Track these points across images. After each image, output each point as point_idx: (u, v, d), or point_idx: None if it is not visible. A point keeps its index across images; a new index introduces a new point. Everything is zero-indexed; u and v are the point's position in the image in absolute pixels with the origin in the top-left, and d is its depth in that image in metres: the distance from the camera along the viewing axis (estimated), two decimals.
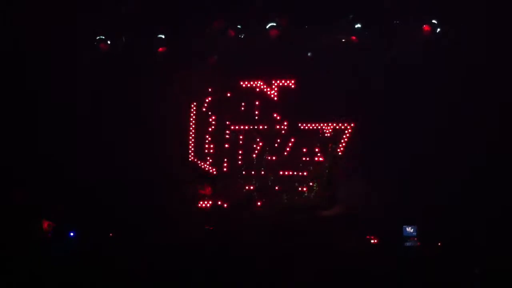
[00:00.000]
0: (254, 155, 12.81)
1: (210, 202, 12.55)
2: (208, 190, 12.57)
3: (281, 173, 12.64)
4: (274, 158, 12.74)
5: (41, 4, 11.99)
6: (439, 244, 11.24)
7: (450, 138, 11.57)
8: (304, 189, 12.51)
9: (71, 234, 11.69)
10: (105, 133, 12.58)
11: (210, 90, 13.03)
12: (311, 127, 12.64)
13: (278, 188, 12.59)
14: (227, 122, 12.98)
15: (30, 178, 12.09)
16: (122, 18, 12.72)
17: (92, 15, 12.43)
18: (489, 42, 11.27)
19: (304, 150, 12.61)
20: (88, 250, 10.72)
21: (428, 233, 11.21)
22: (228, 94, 12.97)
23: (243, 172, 12.81)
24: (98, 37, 12.82)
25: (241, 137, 12.90)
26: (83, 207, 11.93)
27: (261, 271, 10.20)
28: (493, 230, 10.67)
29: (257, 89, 12.85)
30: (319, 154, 12.56)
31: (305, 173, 12.56)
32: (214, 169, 12.94)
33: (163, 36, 12.86)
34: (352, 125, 12.47)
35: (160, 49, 12.92)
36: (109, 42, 12.87)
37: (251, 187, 12.68)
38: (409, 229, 11.38)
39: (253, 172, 12.75)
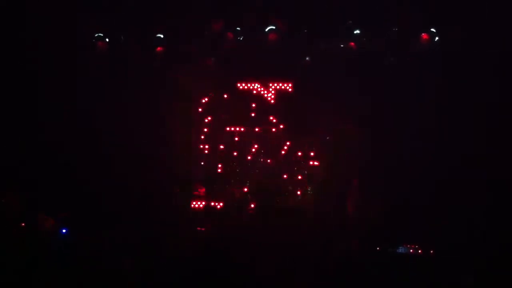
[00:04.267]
0: (249, 157, 12.80)
1: (204, 203, 12.54)
2: (202, 191, 12.55)
3: (275, 176, 12.61)
4: (269, 161, 12.75)
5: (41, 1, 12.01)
6: (431, 251, 11.24)
7: (450, 144, 11.59)
8: (298, 192, 12.51)
9: (63, 231, 11.62)
10: (104, 133, 12.58)
11: (207, 91, 13.03)
12: (307, 131, 12.65)
13: (273, 191, 12.59)
14: (223, 123, 12.97)
15: (29, 178, 11.97)
16: (121, 17, 12.72)
17: (92, 13, 12.42)
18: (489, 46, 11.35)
19: (300, 153, 12.61)
20: (86, 251, 10.64)
21: (423, 239, 11.20)
22: (225, 96, 12.99)
23: (238, 174, 12.79)
24: (96, 35, 12.84)
25: (236, 139, 12.89)
26: (81, 208, 11.88)
27: (254, 274, 10.19)
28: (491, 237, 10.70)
29: (254, 92, 12.85)
30: (314, 158, 12.56)
31: (299, 177, 12.55)
32: (208, 171, 12.92)
33: (161, 36, 12.87)
34: (348, 129, 12.48)
35: (159, 48, 12.93)
36: (107, 39, 12.88)
37: (245, 189, 12.67)
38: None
39: (248, 174, 12.74)
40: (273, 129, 12.77)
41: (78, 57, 12.60)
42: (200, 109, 13.00)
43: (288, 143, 12.68)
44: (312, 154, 12.59)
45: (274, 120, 12.79)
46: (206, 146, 12.97)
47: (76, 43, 12.55)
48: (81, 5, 12.21)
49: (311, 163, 12.58)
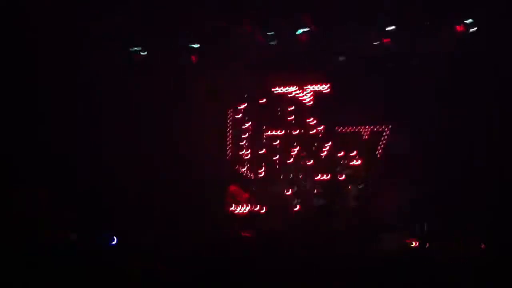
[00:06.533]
0: (291, 160, 12.83)
1: (247, 207, 12.59)
2: (245, 195, 12.59)
3: (318, 177, 12.60)
4: (311, 162, 12.74)
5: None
6: (482, 246, 11.02)
7: (492, 139, 11.38)
8: (342, 192, 12.47)
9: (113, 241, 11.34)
10: (143, 138, 12.77)
11: (245, 96, 13.15)
12: (347, 131, 12.65)
13: (316, 192, 12.56)
14: (263, 128, 13.05)
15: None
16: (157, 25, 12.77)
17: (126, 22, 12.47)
18: None
19: (341, 153, 12.57)
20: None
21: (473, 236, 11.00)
22: (263, 100, 13.04)
23: (281, 177, 12.85)
24: (133, 49, 12.93)
25: (277, 142, 12.94)
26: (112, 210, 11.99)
27: (298, 276, 10.15)
28: None
29: (291, 95, 12.88)
30: (356, 158, 12.50)
31: (342, 177, 12.49)
32: (251, 174, 13.02)
33: (196, 46, 12.93)
34: (389, 127, 12.40)
35: (194, 57, 13.02)
36: (144, 53, 12.95)
37: (289, 192, 12.69)
38: None
39: (290, 176, 12.79)
40: (314, 130, 12.76)
41: (111, 65, 12.64)
42: (239, 115, 13.13)
43: (329, 143, 12.67)
44: (354, 153, 12.53)
45: (314, 122, 12.77)
46: (248, 151, 13.05)
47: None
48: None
49: (353, 162, 12.52)
